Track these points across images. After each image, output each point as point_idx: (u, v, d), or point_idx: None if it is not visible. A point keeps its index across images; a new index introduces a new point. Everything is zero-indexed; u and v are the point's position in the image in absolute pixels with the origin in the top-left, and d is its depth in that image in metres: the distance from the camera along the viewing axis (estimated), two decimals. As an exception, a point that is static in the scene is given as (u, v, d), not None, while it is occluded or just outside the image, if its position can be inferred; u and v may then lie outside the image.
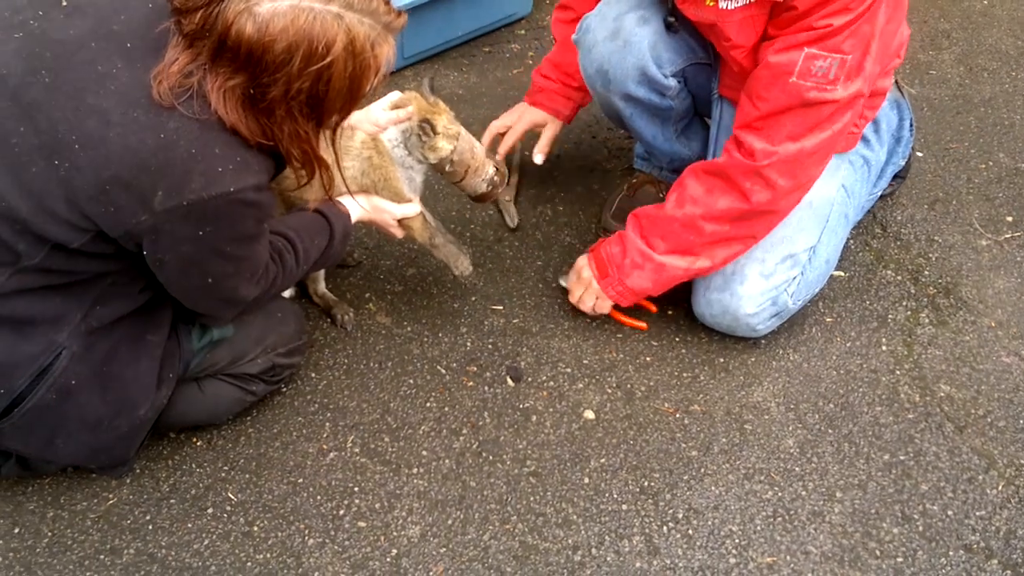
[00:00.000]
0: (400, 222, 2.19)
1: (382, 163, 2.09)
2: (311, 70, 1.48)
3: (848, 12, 1.86)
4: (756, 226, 2.17)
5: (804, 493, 2.05)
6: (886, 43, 1.99)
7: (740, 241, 2.18)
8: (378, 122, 2.04)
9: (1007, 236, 2.68)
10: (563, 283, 2.44)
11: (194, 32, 1.47)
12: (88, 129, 1.48)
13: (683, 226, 2.15)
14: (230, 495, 2.03)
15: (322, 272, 2.41)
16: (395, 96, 2.09)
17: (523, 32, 3.51)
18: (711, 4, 1.96)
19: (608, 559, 1.93)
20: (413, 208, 2.18)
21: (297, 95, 1.52)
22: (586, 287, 2.32)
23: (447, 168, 2.11)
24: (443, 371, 2.31)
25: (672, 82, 2.31)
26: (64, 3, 1.56)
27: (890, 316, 2.45)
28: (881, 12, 1.90)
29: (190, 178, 1.51)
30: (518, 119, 2.61)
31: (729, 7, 1.94)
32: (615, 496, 2.04)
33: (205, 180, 1.52)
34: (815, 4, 1.86)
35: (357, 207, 2.09)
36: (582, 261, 2.36)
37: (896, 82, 2.58)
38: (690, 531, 1.98)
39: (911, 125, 2.61)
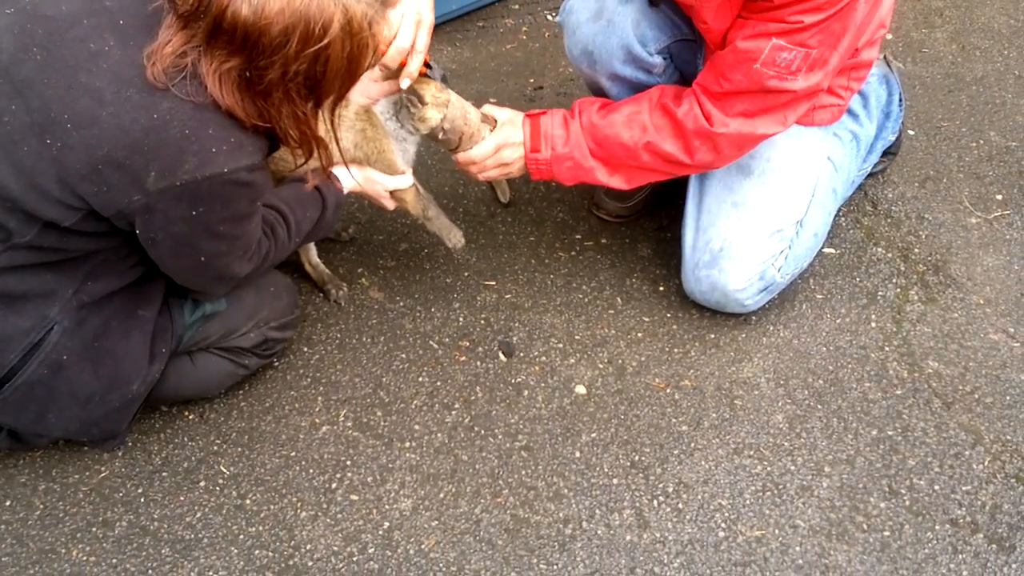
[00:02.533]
0: (393, 194, 2.19)
1: (376, 135, 2.09)
2: (308, 52, 1.47)
3: (820, 11, 1.86)
4: (685, 172, 2.22)
5: (793, 468, 2.07)
6: (860, 33, 1.99)
7: (662, 176, 2.23)
8: (370, 94, 2.02)
9: (997, 214, 2.69)
10: (471, 116, 2.13)
11: (189, 13, 1.46)
12: (80, 108, 1.47)
13: (623, 146, 2.14)
14: (222, 468, 2.04)
15: (314, 243, 2.41)
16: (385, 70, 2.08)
17: (517, 7, 3.49)
18: None
19: (599, 532, 1.94)
20: (406, 180, 2.17)
21: (294, 77, 1.50)
22: (505, 146, 2.18)
23: (440, 137, 2.09)
24: (435, 346, 2.31)
25: (657, 59, 2.31)
26: None
27: (880, 293, 2.47)
28: (858, 10, 1.90)
29: (183, 159, 1.50)
30: None
31: None
32: (606, 470, 2.06)
33: (198, 161, 1.51)
34: (789, 0, 1.86)
35: (350, 179, 2.09)
36: (514, 120, 2.20)
37: (884, 57, 2.59)
38: (680, 505, 2.00)
39: (900, 100, 2.62)
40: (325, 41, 1.47)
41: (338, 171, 2.05)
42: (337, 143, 1.82)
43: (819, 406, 2.19)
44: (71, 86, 1.48)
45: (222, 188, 1.57)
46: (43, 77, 1.49)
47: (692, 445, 2.11)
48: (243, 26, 1.43)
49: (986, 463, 2.08)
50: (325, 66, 1.51)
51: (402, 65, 1.91)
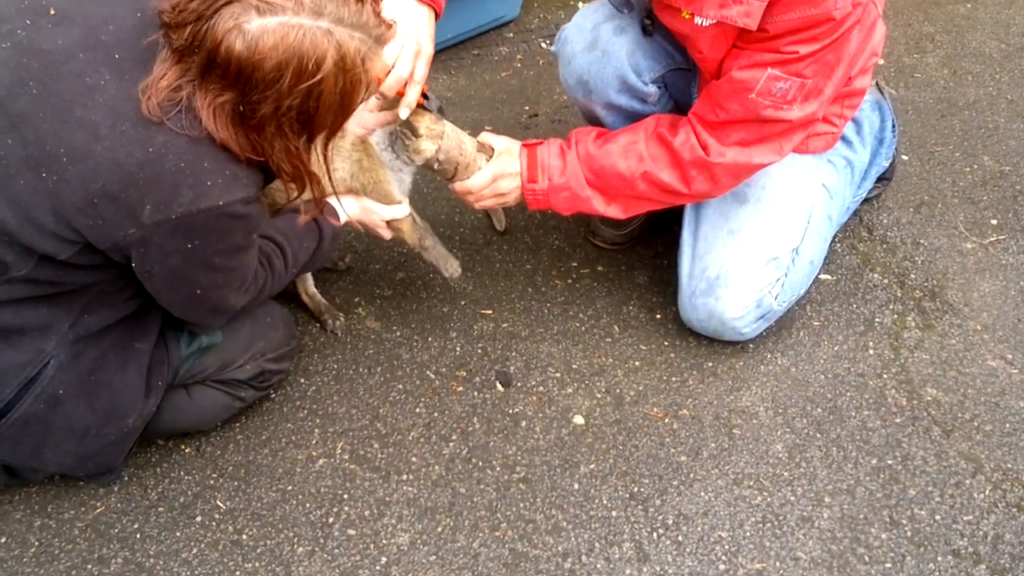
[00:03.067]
0: (389, 224, 2.18)
1: (372, 166, 2.09)
2: (301, 87, 1.47)
3: (815, 42, 1.88)
4: (682, 201, 2.23)
5: (793, 498, 2.06)
6: (854, 63, 2.01)
7: (659, 206, 2.23)
8: (365, 124, 2.02)
9: (992, 239, 2.70)
10: (466, 146, 2.11)
11: (183, 48, 1.46)
12: (76, 142, 1.47)
13: (619, 176, 2.14)
14: (219, 503, 2.02)
15: (310, 273, 2.40)
16: (381, 100, 2.08)
17: (511, 35, 3.50)
18: (687, 17, 1.97)
19: (598, 566, 1.93)
20: (402, 210, 2.17)
21: (287, 112, 1.50)
22: (502, 176, 2.17)
23: (436, 167, 2.09)
24: (432, 376, 2.30)
25: (652, 88, 2.32)
26: (52, 12, 1.55)
27: (877, 320, 2.46)
28: (852, 40, 1.92)
29: (179, 192, 1.50)
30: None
31: (704, 24, 1.95)
32: (605, 502, 2.04)
33: (194, 194, 1.50)
34: (785, 31, 1.88)
35: (346, 208, 2.08)
36: (510, 150, 2.19)
37: (876, 84, 2.60)
38: (680, 537, 1.98)
39: (893, 126, 2.63)
40: (318, 77, 1.47)
41: (334, 201, 2.05)
42: (330, 176, 1.82)
43: (818, 435, 2.19)
44: (67, 120, 1.48)
45: (218, 221, 1.57)
46: (39, 111, 1.49)
47: (691, 476, 2.10)
48: (237, 61, 1.43)
49: (987, 492, 2.07)
50: (318, 101, 1.51)
51: (400, 95, 1.92)
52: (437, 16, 2.00)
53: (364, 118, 2.02)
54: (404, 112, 1.94)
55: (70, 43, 1.52)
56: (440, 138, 2.04)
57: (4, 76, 1.51)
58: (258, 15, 1.42)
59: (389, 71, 1.85)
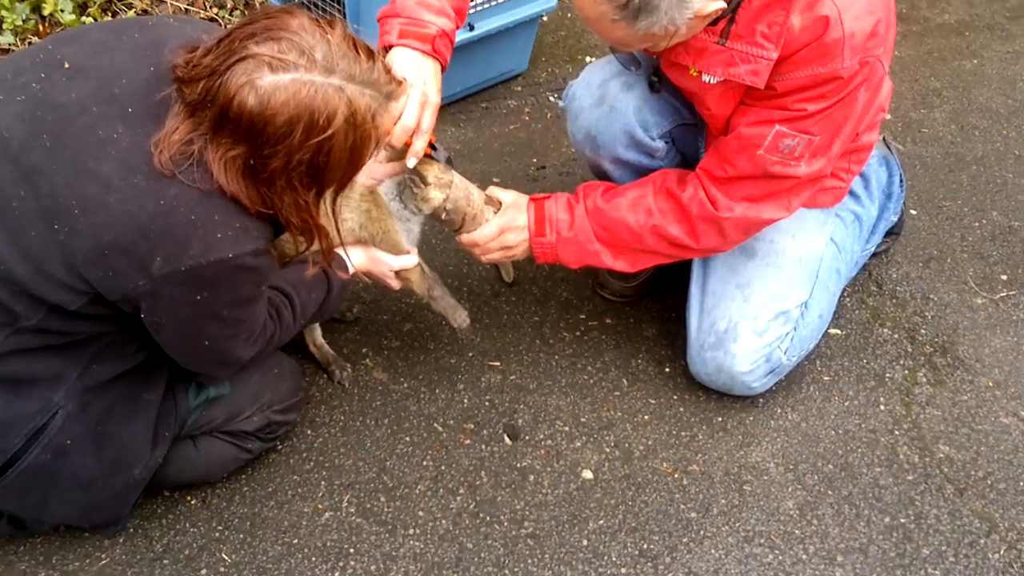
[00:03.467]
0: (398, 274, 2.19)
1: (380, 216, 2.10)
2: (312, 142, 1.48)
3: (823, 100, 1.89)
4: (690, 256, 2.23)
5: (805, 557, 2.03)
6: (861, 119, 2.02)
7: (667, 260, 2.23)
8: (374, 175, 2.04)
9: (1002, 295, 2.69)
10: (474, 197, 2.13)
11: (196, 102, 1.48)
12: (88, 194, 1.48)
13: (628, 230, 2.15)
14: (224, 556, 2.00)
15: (318, 324, 2.40)
16: (390, 151, 2.10)
17: (519, 88, 3.54)
18: (694, 75, 1.99)
19: (607, 624, 1.90)
20: (411, 260, 2.18)
21: (297, 166, 1.51)
22: (509, 230, 2.18)
23: (443, 217, 2.11)
24: (440, 428, 2.29)
25: (660, 144, 2.34)
26: (66, 65, 1.57)
27: (887, 375, 2.45)
28: (859, 98, 1.93)
29: (189, 244, 1.50)
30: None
31: (711, 81, 1.97)
32: (614, 559, 2.02)
33: (204, 246, 1.51)
34: (793, 88, 1.89)
35: (354, 258, 2.09)
36: (518, 203, 2.20)
37: (884, 139, 2.62)
38: (690, 595, 1.96)
39: (901, 181, 2.64)
40: (329, 132, 1.48)
41: (343, 251, 2.06)
42: (338, 228, 1.83)
43: (830, 492, 2.16)
44: (79, 172, 1.49)
45: (227, 273, 1.57)
46: (52, 163, 1.50)
47: (701, 533, 2.08)
48: (249, 116, 1.45)
49: (1002, 552, 2.04)
50: (328, 156, 1.52)
51: (407, 145, 1.93)
52: (443, 68, 2.03)
53: (373, 169, 2.03)
54: (411, 161, 1.96)
55: (83, 96, 1.54)
56: (448, 187, 2.05)
57: (19, 129, 1.53)
58: (271, 71, 1.44)
59: (396, 122, 1.87)
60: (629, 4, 1.68)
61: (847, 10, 1.81)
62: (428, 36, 1.98)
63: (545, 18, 3.62)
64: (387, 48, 1.99)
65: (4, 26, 3.30)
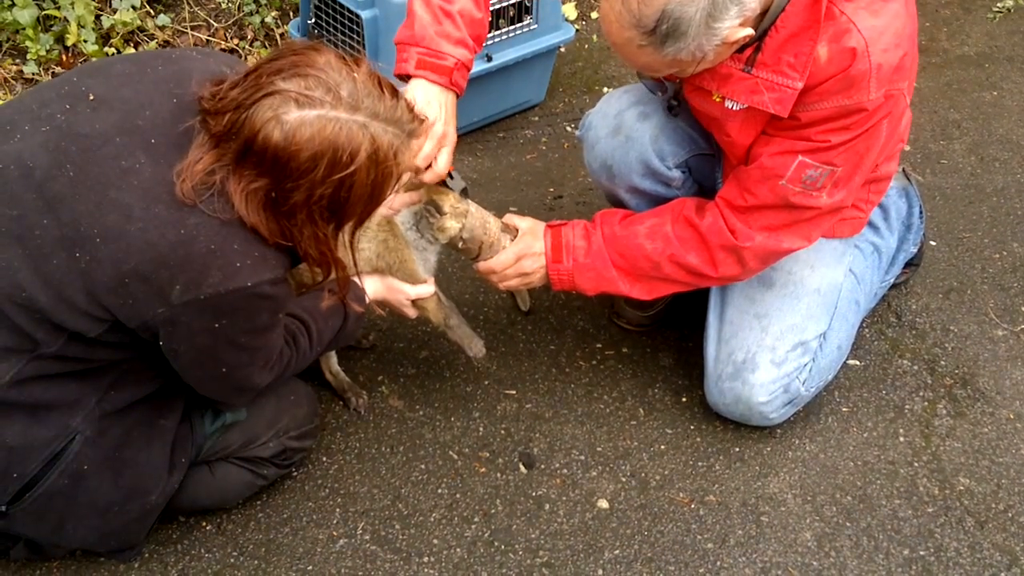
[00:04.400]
0: (414, 303, 2.20)
1: (397, 246, 2.11)
2: (334, 178, 1.50)
3: (847, 131, 1.89)
4: (708, 284, 2.22)
5: (822, 589, 2.01)
6: (883, 151, 2.02)
7: (684, 288, 2.21)
8: (392, 205, 2.05)
9: (1023, 327, 2.67)
10: (491, 225, 2.14)
11: (221, 134, 1.50)
12: (110, 223, 1.50)
13: (646, 257, 2.14)
14: (238, 583, 2.00)
15: (334, 351, 2.41)
16: (406, 178, 2.11)
17: (536, 119, 3.56)
18: (717, 100, 1.99)
19: (622, 656, 1.88)
20: (428, 289, 2.19)
21: (319, 200, 1.53)
22: (526, 256, 2.18)
23: (460, 246, 2.12)
24: (455, 456, 2.29)
25: (676, 173, 2.34)
26: (91, 97, 1.60)
27: (907, 406, 2.43)
28: (883, 130, 1.92)
29: (208, 273, 1.52)
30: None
31: (734, 108, 1.98)
32: (629, 589, 2.01)
33: (223, 275, 1.53)
34: (817, 119, 1.89)
35: (371, 287, 2.10)
36: (535, 230, 2.20)
37: (903, 170, 2.61)
38: (706, 627, 1.94)
39: (921, 212, 2.63)
40: (351, 168, 1.50)
41: (361, 280, 2.07)
42: (355, 261, 1.84)
43: (848, 523, 2.14)
44: (101, 202, 1.52)
45: (245, 301, 1.59)
46: (75, 193, 1.53)
47: (718, 564, 2.06)
48: (273, 150, 1.47)
49: (1023, 586, 2.01)
50: (349, 192, 1.54)
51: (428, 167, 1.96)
52: (459, 95, 2.05)
53: (390, 199, 2.05)
54: (431, 174, 1.98)
55: (107, 127, 1.57)
56: (464, 216, 2.07)
57: (43, 159, 1.55)
58: (297, 107, 1.46)
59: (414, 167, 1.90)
60: (657, 30, 1.69)
61: (874, 43, 1.80)
62: (446, 69, 2.00)
63: (563, 49, 3.64)
64: (403, 76, 2.02)
65: (28, 56, 3.37)
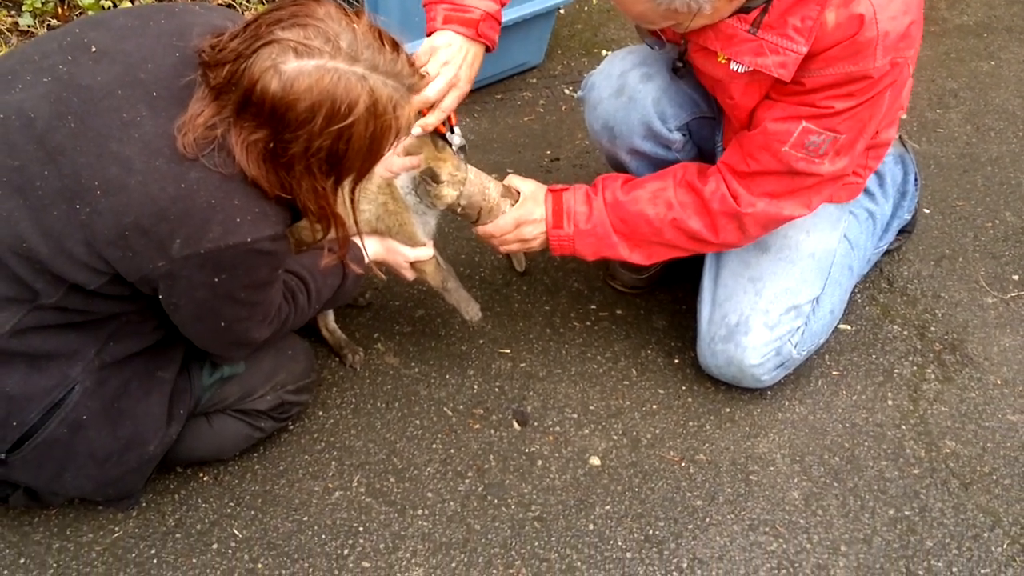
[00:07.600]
0: (413, 265, 2.21)
1: (397, 209, 2.12)
2: (332, 129, 1.50)
3: (851, 98, 1.89)
4: (708, 250, 2.23)
5: (809, 546, 2.05)
6: (885, 118, 2.02)
7: (684, 253, 2.23)
8: (391, 167, 2.06)
9: (1013, 295, 2.70)
10: (490, 191, 2.14)
11: (220, 86, 1.50)
12: (110, 176, 1.51)
13: (648, 223, 2.15)
14: (235, 531, 2.03)
15: (331, 309, 2.43)
16: (407, 141, 2.12)
17: (535, 80, 3.56)
18: (722, 61, 1.99)
19: (611, 608, 1.92)
20: (426, 252, 2.20)
21: (317, 152, 1.54)
22: (526, 223, 2.19)
23: (458, 211, 2.13)
24: (450, 413, 2.32)
25: (677, 136, 2.35)
26: (93, 49, 1.59)
27: (896, 371, 2.46)
28: (886, 98, 1.93)
29: (208, 227, 1.53)
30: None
31: (739, 70, 1.98)
32: (620, 544, 2.04)
33: (223, 230, 1.54)
34: (822, 85, 1.89)
35: (371, 248, 2.11)
36: (536, 195, 2.20)
37: (900, 137, 2.62)
38: (694, 581, 1.98)
39: (916, 180, 2.64)
40: (349, 120, 1.50)
41: (360, 241, 2.08)
42: (355, 218, 1.85)
43: (835, 483, 2.18)
44: (102, 154, 1.52)
45: (245, 257, 1.59)
46: (76, 144, 1.53)
47: (707, 520, 2.10)
48: (271, 100, 1.47)
49: (1005, 546, 2.05)
50: (347, 144, 1.54)
51: (422, 113, 1.96)
52: (491, 49, 2.06)
53: (390, 161, 2.05)
54: (416, 130, 1.98)
55: (109, 80, 1.56)
56: (462, 184, 2.07)
57: (44, 110, 1.55)
58: (295, 57, 1.46)
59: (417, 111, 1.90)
60: None
61: (883, 9, 1.80)
62: (472, 21, 2.00)
63: (562, 11, 3.64)
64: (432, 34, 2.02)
65: (24, 8, 3.34)
